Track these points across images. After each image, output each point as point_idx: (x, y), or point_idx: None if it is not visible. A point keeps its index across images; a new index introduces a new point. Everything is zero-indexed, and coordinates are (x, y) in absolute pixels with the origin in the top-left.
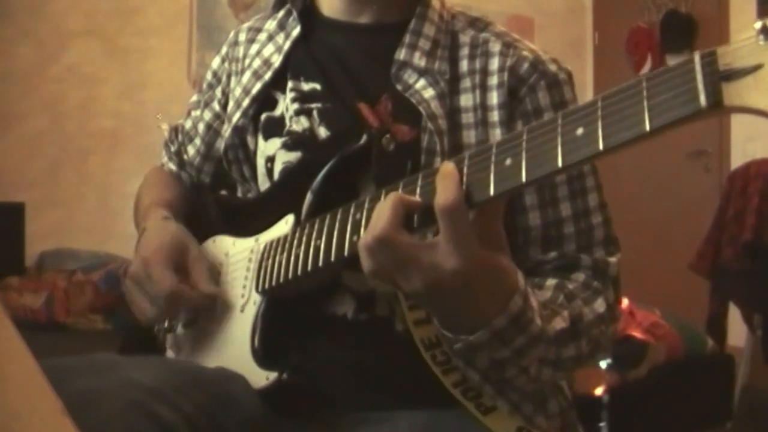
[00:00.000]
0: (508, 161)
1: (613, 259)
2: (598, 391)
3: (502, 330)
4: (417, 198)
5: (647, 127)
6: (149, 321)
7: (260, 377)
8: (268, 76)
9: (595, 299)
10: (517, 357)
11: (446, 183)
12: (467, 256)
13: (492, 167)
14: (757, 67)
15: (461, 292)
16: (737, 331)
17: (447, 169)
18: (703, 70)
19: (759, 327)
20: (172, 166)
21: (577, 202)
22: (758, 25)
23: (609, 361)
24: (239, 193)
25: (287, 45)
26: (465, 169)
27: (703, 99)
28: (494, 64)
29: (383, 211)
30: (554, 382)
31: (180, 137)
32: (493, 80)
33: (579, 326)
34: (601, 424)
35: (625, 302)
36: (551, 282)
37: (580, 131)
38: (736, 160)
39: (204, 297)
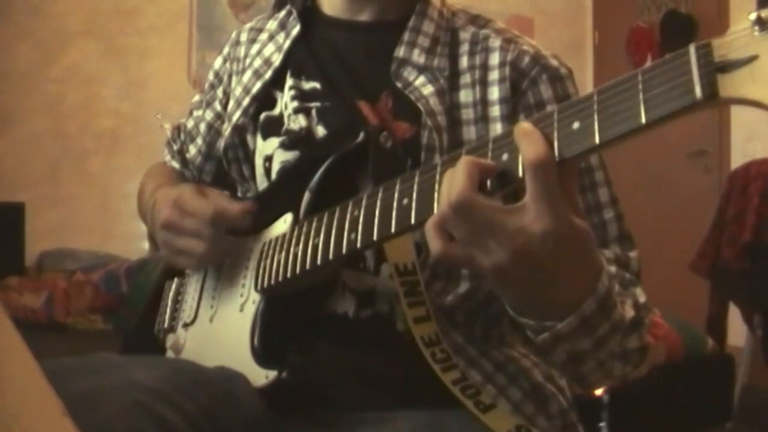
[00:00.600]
0: (505, 156)
1: (633, 254)
2: (598, 391)
3: (591, 315)
4: (488, 160)
5: (643, 120)
6: (200, 260)
7: (260, 376)
8: (268, 75)
9: (634, 288)
10: (597, 348)
11: (531, 139)
12: (559, 216)
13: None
14: (752, 59)
15: (552, 260)
16: (737, 331)
17: (524, 127)
18: (699, 62)
19: (759, 327)
20: (175, 165)
21: (587, 196)
22: (753, 16)
23: None
24: (239, 193)
25: (287, 44)
26: (553, 125)
27: (698, 91)
28: (494, 59)
29: (457, 176)
30: (555, 382)
31: (182, 136)
32: (494, 75)
33: (639, 315)
34: (602, 424)
35: None
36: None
37: (576, 125)
38: (736, 160)
39: (244, 210)
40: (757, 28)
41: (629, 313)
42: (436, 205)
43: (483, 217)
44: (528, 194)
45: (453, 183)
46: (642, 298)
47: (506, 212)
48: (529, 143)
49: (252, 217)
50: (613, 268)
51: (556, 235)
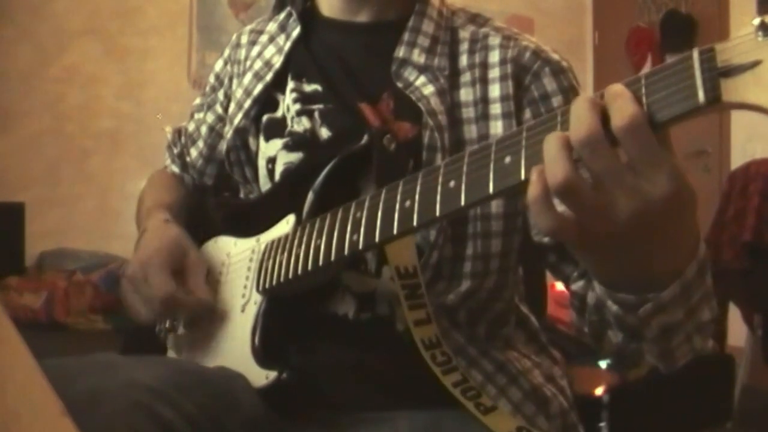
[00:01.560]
0: (508, 159)
1: None
2: (599, 391)
3: (691, 282)
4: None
5: None
6: (144, 323)
7: (260, 376)
8: (269, 77)
9: None
10: (687, 319)
11: (621, 102)
12: (672, 170)
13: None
14: (755, 63)
15: (672, 220)
16: (737, 331)
17: (615, 89)
18: (702, 67)
19: (759, 327)
20: (175, 169)
21: None
22: (756, 21)
23: (609, 361)
24: (241, 195)
25: (288, 46)
26: (643, 89)
27: (701, 95)
28: (495, 56)
29: (583, 113)
30: (555, 383)
31: (183, 140)
32: (494, 73)
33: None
34: (602, 424)
35: None
36: None
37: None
38: (736, 160)
39: (198, 304)
40: (760, 33)
41: (709, 283)
42: (438, 207)
43: (609, 162)
44: (632, 159)
45: (579, 120)
46: None
47: (624, 168)
48: (620, 105)
49: (208, 309)
50: None
51: (672, 191)
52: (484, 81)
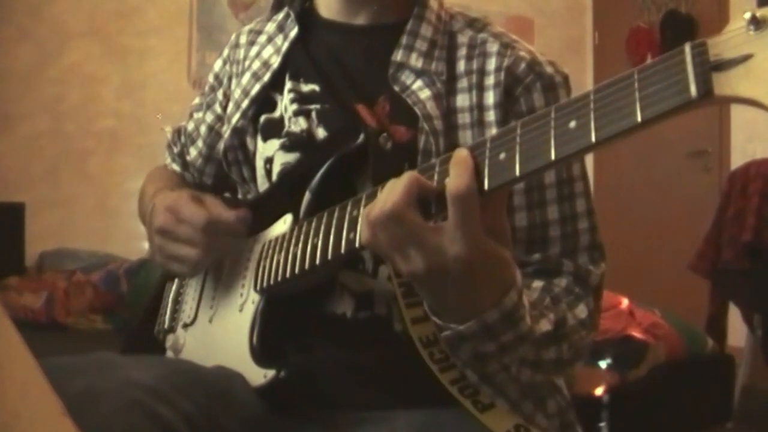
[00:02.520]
0: (502, 155)
1: (595, 269)
2: (598, 391)
3: (493, 324)
4: (433, 183)
5: (639, 119)
6: (193, 267)
7: (258, 375)
8: (267, 77)
9: (577, 304)
10: (501, 353)
11: (459, 169)
12: (473, 243)
13: (501, 155)
14: (746, 57)
15: (461, 279)
16: (737, 331)
17: (461, 155)
18: (694, 61)
19: (759, 327)
20: (176, 167)
21: (564, 206)
22: (747, 15)
23: (609, 361)
24: (239, 195)
25: (285, 46)
26: (482, 156)
27: (693, 89)
28: (491, 64)
29: (397, 188)
30: (551, 382)
31: (182, 139)
32: (490, 80)
33: (562, 330)
34: (602, 424)
35: (625, 302)
36: (538, 283)
37: (572, 124)
38: (736, 160)
39: (239, 219)
40: (752, 27)
41: (544, 326)
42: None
43: (408, 230)
44: (450, 219)
45: (391, 192)
46: (583, 314)
47: (429, 230)
48: (456, 173)
49: (247, 224)
50: (539, 284)
51: (468, 260)
52: (481, 88)
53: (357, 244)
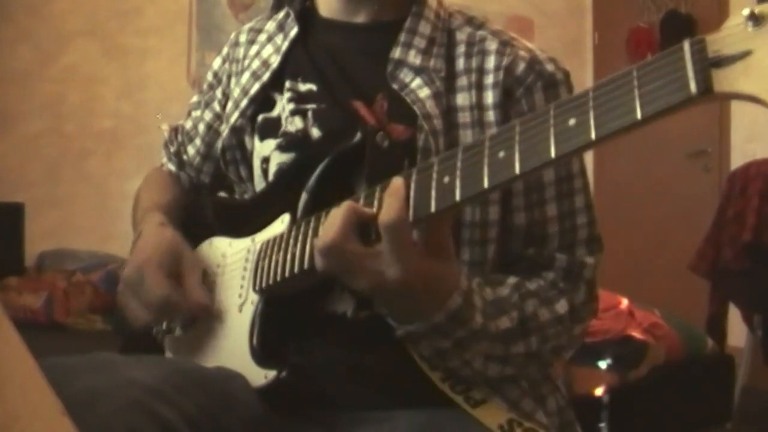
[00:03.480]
0: (502, 153)
1: (590, 260)
2: (598, 391)
3: (440, 324)
4: (373, 209)
5: (638, 116)
6: (142, 326)
7: (259, 376)
8: (266, 76)
9: (557, 299)
10: (459, 349)
11: (391, 200)
12: (407, 267)
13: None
14: (745, 54)
15: (402, 295)
16: (737, 331)
17: (395, 185)
18: (693, 58)
19: (759, 327)
20: (172, 167)
21: (563, 203)
22: (746, 11)
23: (609, 361)
24: (236, 194)
25: (285, 46)
26: (413, 185)
27: (693, 86)
28: (490, 62)
29: (335, 220)
30: (550, 380)
31: (180, 137)
32: (489, 79)
33: (529, 325)
34: (601, 425)
35: (624, 302)
36: (511, 281)
37: (572, 122)
38: (736, 160)
39: (195, 306)
40: (750, 23)
41: (503, 323)
42: (433, 202)
43: (347, 258)
44: (384, 245)
45: (330, 225)
46: (562, 310)
47: (367, 256)
48: (388, 204)
49: (205, 307)
50: (512, 280)
51: (404, 281)
52: (480, 87)
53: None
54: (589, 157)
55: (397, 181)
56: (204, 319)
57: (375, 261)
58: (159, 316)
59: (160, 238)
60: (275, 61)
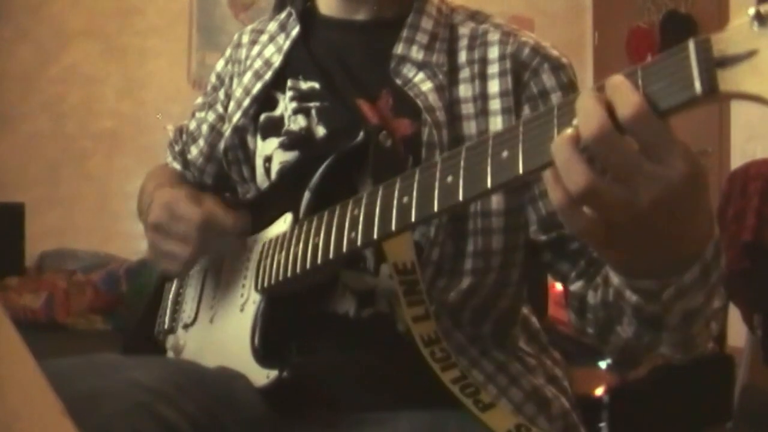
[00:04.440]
0: (505, 153)
1: None
2: (598, 391)
3: (709, 263)
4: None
5: None
6: (184, 265)
7: (261, 376)
8: (268, 76)
9: None
10: (706, 302)
11: (626, 91)
12: (686, 156)
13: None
14: (751, 53)
15: (691, 201)
16: (737, 331)
17: (617, 80)
18: (698, 57)
19: (759, 327)
20: (177, 166)
21: None
22: (752, 11)
23: (609, 361)
24: (239, 194)
25: (287, 45)
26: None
27: (698, 86)
28: (494, 52)
29: (591, 108)
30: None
31: (184, 137)
32: (493, 69)
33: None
34: (602, 425)
35: None
36: None
37: (575, 121)
38: (736, 160)
39: (236, 220)
40: (756, 23)
41: (714, 278)
42: (436, 202)
43: (624, 159)
44: (645, 148)
45: (589, 115)
46: None
47: (643, 157)
48: (623, 96)
49: (245, 226)
50: None
51: (690, 173)
52: (483, 77)
53: (359, 244)
54: None
55: (617, 77)
56: (205, 319)
57: (648, 161)
58: (201, 243)
59: (179, 186)
60: (277, 60)
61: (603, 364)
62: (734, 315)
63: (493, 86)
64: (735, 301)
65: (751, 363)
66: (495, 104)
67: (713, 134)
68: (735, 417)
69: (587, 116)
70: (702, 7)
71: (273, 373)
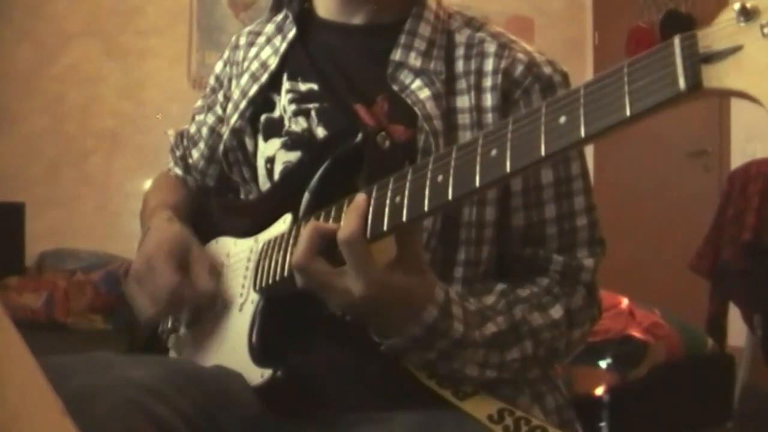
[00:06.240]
0: (494, 152)
1: (589, 263)
2: (599, 391)
3: (419, 336)
4: (337, 226)
5: (628, 113)
6: (150, 319)
7: (256, 375)
8: (264, 78)
9: (552, 305)
10: (445, 359)
11: (350, 216)
12: (371, 282)
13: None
14: (736, 49)
15: (373, 311)
16: (737, 331)
17: (357, 201)
18: (683, 53)
19: (759, 327)
20: (178, 171)
21: (562, 204)
22: (737, 6)
23: (609, 361)
24: (242, 195)
25: (284, 47)
26: (373, 201)
27: (682, 82)
28: (489, 65)
29: (300, 241)
30: (549, 379)
31: (185, 142)
32: (488, 82)
33: (521, 330)
34: (602, 424)
35: (625, 302)
36: (499, 288)
37: (562, 119)
38: (736, 160)
39: (204, 294)
40: (741, 18)
41: (490, 330)
42: (426, 202)
43: (316, 278)
44: (346, 263)
45: (297, 246)
46: (557, 315)
47: (333, 275)
48: (347, 220)
49: (211, 297)
50: (501, 287)
51: (371, 297)
52: (479, 89)
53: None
54: (589, 157)
55: (360, 197)
56: (207, 318)
57: (341, 279)
58: (166, 308)
59: (169, 232)
60: (273, 62)
61: (603, 364)
62: (734, 315)
63: (487, 100)
64: (735, 301)
65: (751, 363)
66: (488, 118)
67: (713, 134)
68: (735, 417)
69: (297, 246)
70: (702, 7)
71: (267, 373)
